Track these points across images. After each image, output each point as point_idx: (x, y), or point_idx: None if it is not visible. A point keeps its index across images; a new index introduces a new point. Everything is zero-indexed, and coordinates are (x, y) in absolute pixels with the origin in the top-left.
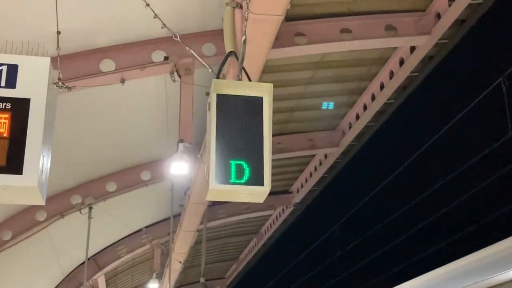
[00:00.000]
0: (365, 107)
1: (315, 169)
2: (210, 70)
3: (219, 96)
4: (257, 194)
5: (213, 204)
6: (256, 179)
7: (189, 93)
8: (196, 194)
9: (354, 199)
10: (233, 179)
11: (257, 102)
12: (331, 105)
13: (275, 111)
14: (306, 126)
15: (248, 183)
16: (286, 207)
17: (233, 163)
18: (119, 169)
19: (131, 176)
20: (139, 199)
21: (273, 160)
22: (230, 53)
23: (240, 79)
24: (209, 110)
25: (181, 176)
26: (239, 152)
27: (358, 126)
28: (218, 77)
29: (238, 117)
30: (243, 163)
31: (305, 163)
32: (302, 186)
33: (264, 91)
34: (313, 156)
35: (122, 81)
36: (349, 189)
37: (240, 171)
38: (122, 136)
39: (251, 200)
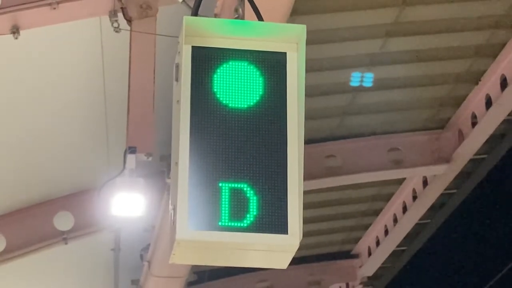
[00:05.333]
0: None
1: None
2: (181, 0)
3: (197, 51)
4: (275, 251)
5: (199, 278)
6: (273, 221)
7: (147, 53)
8: (163, 259)
9: None
10: (225, 220)
11: (274, 65)
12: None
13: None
14: None
15: (256, 227)
16: (348, 286)
17: (225, 188)
18: (13, 210)
19: (36, 223)
20: (52, 269)
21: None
22: None
23: (240, 18)
24: (176, 80)
25: (133, 221)
26: (237, 167)
27: None
28: (196, 14)
29: None
30: (245, 187)
31: (383, 197)
32: (378, 244)
33: (289, 40)
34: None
35: (15, 30)
36: None
37: (240, 204)
38: (16, 146)
39: (264, 264)
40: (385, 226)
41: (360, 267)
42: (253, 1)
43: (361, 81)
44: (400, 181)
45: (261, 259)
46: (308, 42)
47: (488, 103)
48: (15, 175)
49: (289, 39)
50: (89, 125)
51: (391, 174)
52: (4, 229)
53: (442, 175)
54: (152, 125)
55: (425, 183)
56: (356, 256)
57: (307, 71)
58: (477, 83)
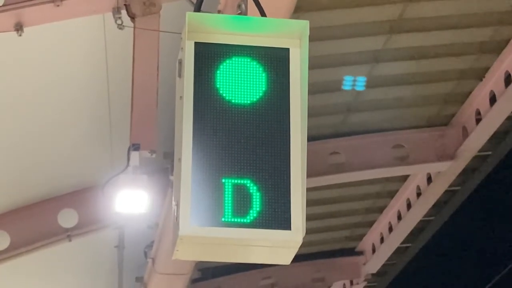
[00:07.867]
0: None
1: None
2: None
3: (200, 47)
4: (278, 247)
5: (203, 275)
6: (276, 217)
7: (151, 50)
8: (167, 256)
9: None
10: (228, 216)
11: (277, 61)
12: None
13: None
14: None
15: (259, 223)
16: (352, 283)
17: (228, 183)
18: (17, 207)
19: (40, 220)
20: (56, 267)
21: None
22: None
23: (243, 14)
24: (179, 76)
25: (137, 218)
26: (240, 163)
27: None
28: (199, 10)
29: None
30: (248, 183)
31: (387, 194)
32: (382, 241)
33: (292, 36)
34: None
35: (19, 27)
36: None
37: (242, 200)
38: (20, 143)
39: (267, 260)
40: (389, 223)
41: (364, 264)
42: None
43: (354, 85)
44: (404, 178)
45: (264, 255)
46: (312, 39)
47: (492, 99)
48: (19, 172)
49: (292, 35)
50: (92, 122)
51: (395, 171)
52: (8, 227)
53: (446, 172)
54: (156, 122)
55: (429, 180)
56: (360, 253)
57: (311, 68)
58: (481, 80)
